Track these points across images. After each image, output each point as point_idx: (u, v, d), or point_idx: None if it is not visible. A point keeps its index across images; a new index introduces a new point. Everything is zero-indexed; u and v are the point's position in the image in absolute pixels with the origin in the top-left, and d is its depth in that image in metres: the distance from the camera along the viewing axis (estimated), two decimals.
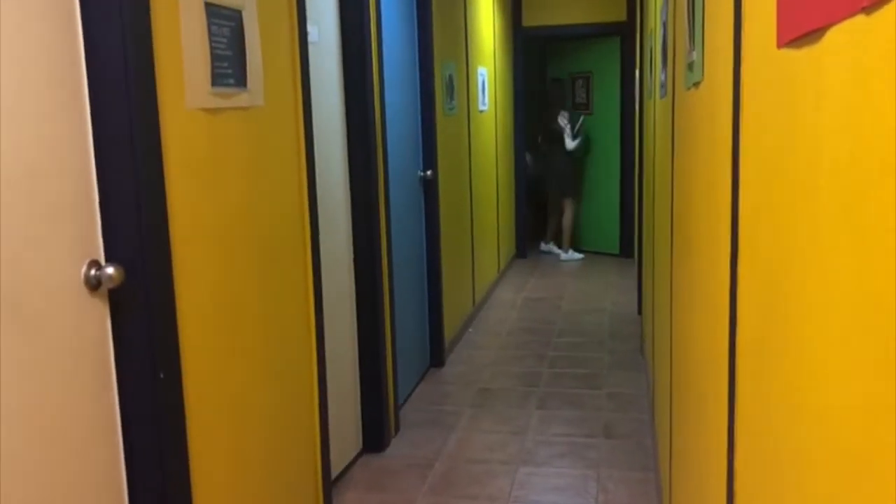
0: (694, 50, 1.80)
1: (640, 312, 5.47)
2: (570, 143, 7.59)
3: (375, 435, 3.51)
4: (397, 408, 3.74)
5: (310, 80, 2.63)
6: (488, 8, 6.36)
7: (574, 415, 3.90)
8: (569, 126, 7.58)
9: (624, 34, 7.47)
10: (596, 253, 7.95)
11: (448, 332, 4.83)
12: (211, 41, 1.96)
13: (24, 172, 1.46)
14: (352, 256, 3.38)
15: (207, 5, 1.94)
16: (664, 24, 2.95)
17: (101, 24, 1.62)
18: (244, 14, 2.13)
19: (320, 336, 2.73)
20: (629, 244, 7.49)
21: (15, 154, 1.44)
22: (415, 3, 4.35)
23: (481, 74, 6.02)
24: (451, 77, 4.93)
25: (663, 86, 3.04)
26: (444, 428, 3.77)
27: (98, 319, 1.67)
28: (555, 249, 8.05)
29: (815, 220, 0.74)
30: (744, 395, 1.14)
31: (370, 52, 3.31)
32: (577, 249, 7.98)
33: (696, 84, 1.78)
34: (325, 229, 2.96)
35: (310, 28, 2.74)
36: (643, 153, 5.33)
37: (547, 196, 7.97)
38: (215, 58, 1.98)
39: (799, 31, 0.79)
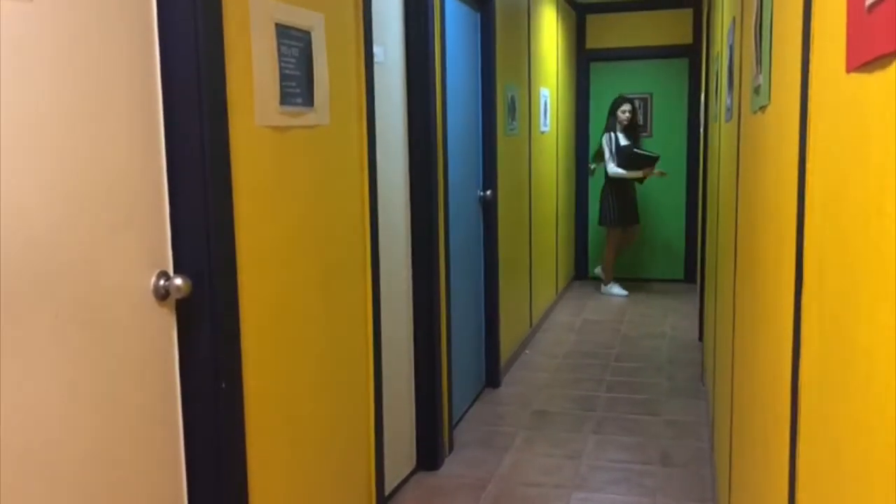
0: (761, 73, 1.78)
1: (701, 339, 5.36)
2: (612, 168, 6.81)
3: (429, 453, 3.51)
4: (452, 427, 3.74)
5: (374, 100, 2.68)
6: (552, 30, 6.37)
7: (631, 441, 3.84)
8: (607, 149, 6.81)
9: (690, 57, 7.39)
10: (660, 280, 7.75)
11: (504, 352, 4.82)
12: (280, 61, 2.01)
13: (101, 187, 1.52)
14: (410, 274, 3.41)
15: (278, 26, 2.00)
16: (731, 47, 2.91)
17: (177, 45, 1.69)
18: (313, 35, 2.19)
19: (377, 352, 2.75)
20: (693, 270, 7.36)
21: (94, 170, 1.50)
22: (479, 24, 4.39)
23: (543, 96, 6.03)
24: (513, 98, 4.94)
25: (729, 109, 3.00)
26: (498, 449, 3.75)
27: (165, 328, 1.72)
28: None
29: (883, 247, 0.72)
30: (806, 428, 1.12)
31: (434, 73, 3.35)
32: (630, 279, 7.38)
33: (763, 108, 1.76)
34: (385, 246, 2.99)
35: (375, 49, 2.79)
36: (707, 176, 5.25)
37: None
38: (284, 77, 2.03)
39: (869, 56, 0.77)
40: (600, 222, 7.13)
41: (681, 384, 4.69)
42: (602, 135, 6.99)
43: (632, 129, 6.88)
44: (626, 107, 6.84)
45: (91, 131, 1.50)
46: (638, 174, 6.82)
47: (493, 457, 3.66)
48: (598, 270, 7.44)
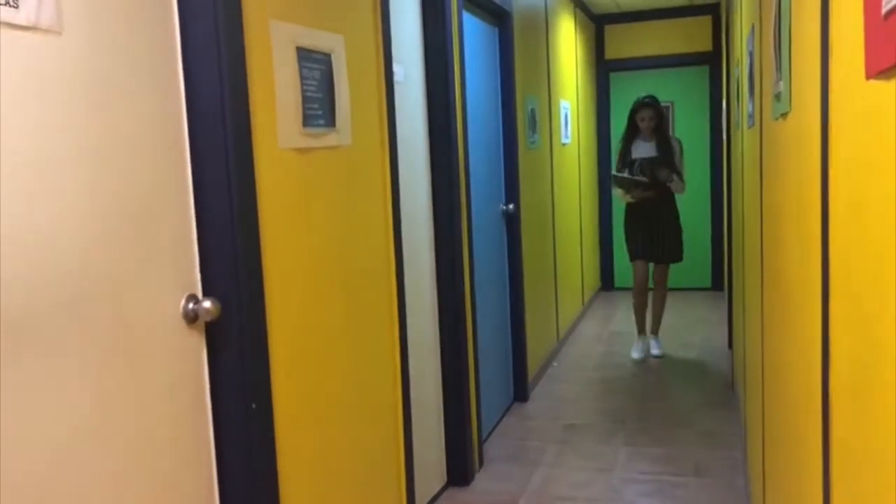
0: (781, 80, 1.77)
1: (730, 347, 5.31)
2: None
3: (460, 469, 3.51)
4: (481, 442, 3.73)
5: (395, 119, 2.70)
6: (570, 42, 6.39)
7: (662, 452, 3.80)
8: (615, 161, 5.66)
9: (710, 64, 7.36)
10: (687, 289, 7.67)
11: (532, 366, 4.80)
12: (302, 84, 2.04)
13: (131, 213, 1.55)
14: (435, 290, 3.42)
15: (299, 50, 2.03)
16: (751, 54, 2.90)
17: (201, 72, 1.72)
18: (334, 57, 2.22)
19: (405, 369, 2.76)
20: (720, 277, 7.29)
21: (124, 197, 1.53)
22: (497, 39, 4.42)
23: (564, 108, 6.03)
24: (533, 111, 4.95)
25: (751, 116, 2.98)
26: (529, 463, 3.73)
27: (195, 351, 1.74)
28: None
29: None
30: (838, 434, 1.11)
31: (454, 90, 3.38)
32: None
33: (784, 115, 1.75)
34: (410, 263, 3.01)
35: (395, 68, 2.81)
36: (732, 183, 5.22)
37: None
38: (306, 100, 2.06)
39: (887, 63, 0.78)
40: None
41: (711, 394, 4.64)
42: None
43: (661, 140, 5.35)
44: (646, 112, 5.39)
45: (120, 159, 1.53)
46: (622, 193, 5.44)
47: (524, 471, 3.64)
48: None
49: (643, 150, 5.36)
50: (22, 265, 1.30)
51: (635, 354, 5.49)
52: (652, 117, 5.38)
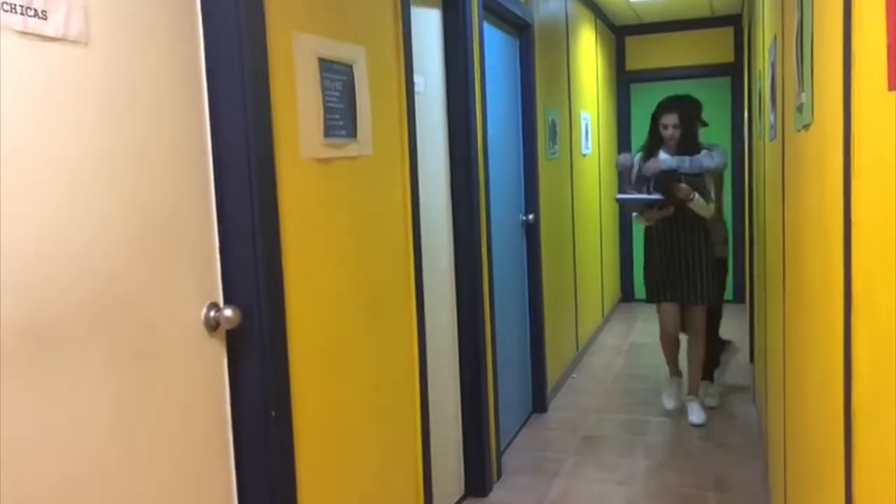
0: (803, 92, 1.76)
1: (752, 360, 5.26)
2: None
3: (478, 480, 3.50)
4: (500, 453, 3.72)
5: (416, 129, 2.72)
6: (591, 53, 6.39)
7: (683, 465, 3.77)
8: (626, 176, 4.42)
9: (732, 75, 7.32)
10: None
11: (551, 377, 4.78)
12: (324, 94, 2.06)
13: (154, 222, 1.57)
14: (454, 300, 3.42)
15: (321, 61, 2.05)
16: (773, 65, 2.89)
17: (224, 83, 1.74)
18: (355, 68, 2.24)
19: (424, 379, 2.76)
20: (742, 289, 7.23)
21: (147, 206, 1.55)
22: (518, 50, 4.43)
23: (584, 119, 6.03)
24: (553, 122, 4.95)
25: (773, 127, 2.97)
26: (547, 475, 3.71)
27: (216, 359, 1.76)
28: None
29: None
30: (861, 449, 1.09)
31: (474, 101, 3.39)
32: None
33: (806, 126, 1.74)
34: (429, 273, 3.01)
35: (416, 78, 2.83)
36: (754, 195, 5.18)
37: None
38: (328, 110, 2.08)
39: None
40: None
41: (733, 406, 4.60)
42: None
43: (686, 146, 4.19)
44: (671, 118, 4.20)
45: (144, 169, 1.55)
46: (637, 214, 4.40)
47: (543, 483, 3.62)
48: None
49: (667, 161, 4.15)
50: (47, 273, 1.32)
51: (668, 404, 4.43)
52: (677, 125, 4.17)
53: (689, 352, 4.42)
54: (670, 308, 4.29)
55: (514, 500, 3.47)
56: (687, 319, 4.32)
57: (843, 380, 1.20)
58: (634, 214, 4.41)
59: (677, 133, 4.18)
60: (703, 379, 4.53)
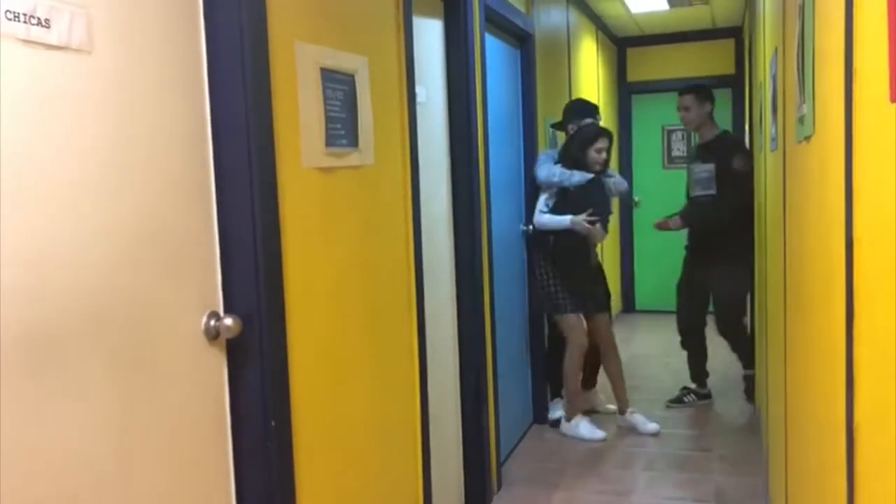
0: (804, 103, 1.76)
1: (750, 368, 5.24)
2: (550, 218, 4.28)
3: (477, 491, 3.48)
4: (500, 464, 3.71)
5: (417, 139, 2.72)
6: (592, 64, 6.40)
7: (684, 477, 3.75)
8: (548, 184, 4.29)
9: (733, 87, 7.34)
10: (708, 313, 7.55)
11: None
12: (326, 104, 2.06)
13: (155, 231, 1.57)
14: (455, 310, 3.41)
15: (323, 70, 2.05)
16: (774, 77, 2.89)
17: (226, 93, 1.74)
18: (357, 77, 2.24)
19: (424, 390, 2.75)
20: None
21: (148, 215, 1.55)
22: (519, 61, 4.44)
23: None
24: (554, 133, 4.96)
25: (774, 139, 2.97)
26: (548, 486, 3.70)
27: (216, 368, 1.75)
28: None
29: None
30: (863, 466, 1.09)
31: (475, 112, 3.39)
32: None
33: (808, 138, 1.74)
34: (430, 283, 3.01)
35: (418, 89, 2.83)
36: (755, 206, 5.17)
37: None
38: (330, 120, 2.08)
39: None
40: (539, 309, 4.44)
41: (733, 418, 4.59)
42: (553, 164, 4.29)
43: (602, 172, 4.32)
44: (603, 143, 4.27)
45: (145, 178, 1.55)
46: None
47: (543, 494, 3.61)
48: (558, 402, 4.61)
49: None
50: (47, 282, 1.31)
51: (600, 432, 4.26)
52: (609, 148, 4.30)
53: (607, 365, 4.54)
54: (572, 321, 4.33)
55: None
56: (596, 327, 4.44)
57: (844, 392, 1.20)
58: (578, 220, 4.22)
59: (607, 159, 4.33)
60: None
